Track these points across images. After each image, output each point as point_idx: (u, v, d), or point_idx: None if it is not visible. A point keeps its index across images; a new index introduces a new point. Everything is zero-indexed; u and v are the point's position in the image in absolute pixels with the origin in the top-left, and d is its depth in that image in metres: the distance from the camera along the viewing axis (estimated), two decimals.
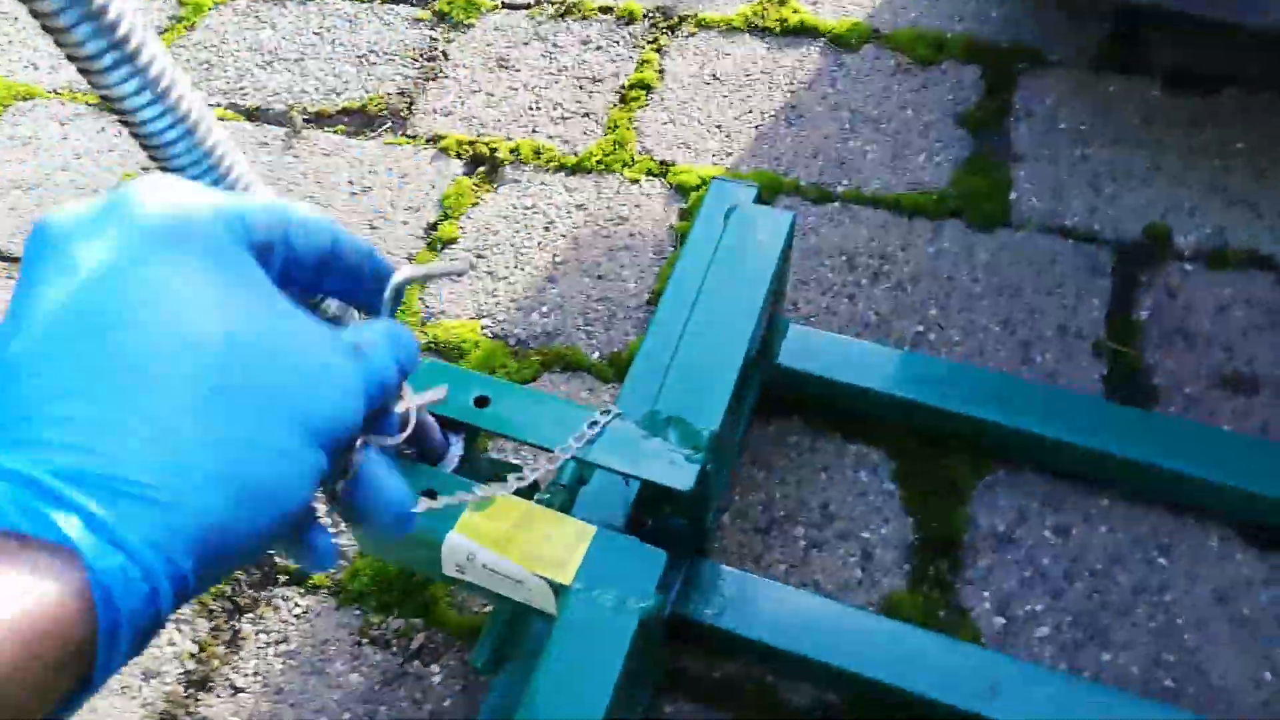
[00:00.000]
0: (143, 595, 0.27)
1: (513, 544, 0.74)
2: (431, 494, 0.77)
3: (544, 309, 1.20)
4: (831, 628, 0.86)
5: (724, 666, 0.90)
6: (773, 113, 1.36)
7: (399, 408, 0.45)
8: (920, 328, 1.10)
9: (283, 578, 1.02)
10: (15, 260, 1.35)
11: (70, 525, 0.26)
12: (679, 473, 0.78)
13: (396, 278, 0.44)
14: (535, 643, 0.89)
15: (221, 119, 1.50)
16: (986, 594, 0.92)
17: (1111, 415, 0.96)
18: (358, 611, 0.98)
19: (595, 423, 0.81)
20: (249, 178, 0.53)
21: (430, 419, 0.78)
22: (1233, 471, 0.90)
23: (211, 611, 1.00)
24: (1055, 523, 0.95)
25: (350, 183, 1.38)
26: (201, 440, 0.29)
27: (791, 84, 1.39)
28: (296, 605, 1.00)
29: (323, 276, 0.39)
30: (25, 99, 1.54)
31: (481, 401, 0.83)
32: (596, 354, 1.15)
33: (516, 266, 1.25)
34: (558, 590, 0.73)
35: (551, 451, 0.80)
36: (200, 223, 0.32)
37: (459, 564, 0.75)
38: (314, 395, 0.32)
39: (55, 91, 1.56)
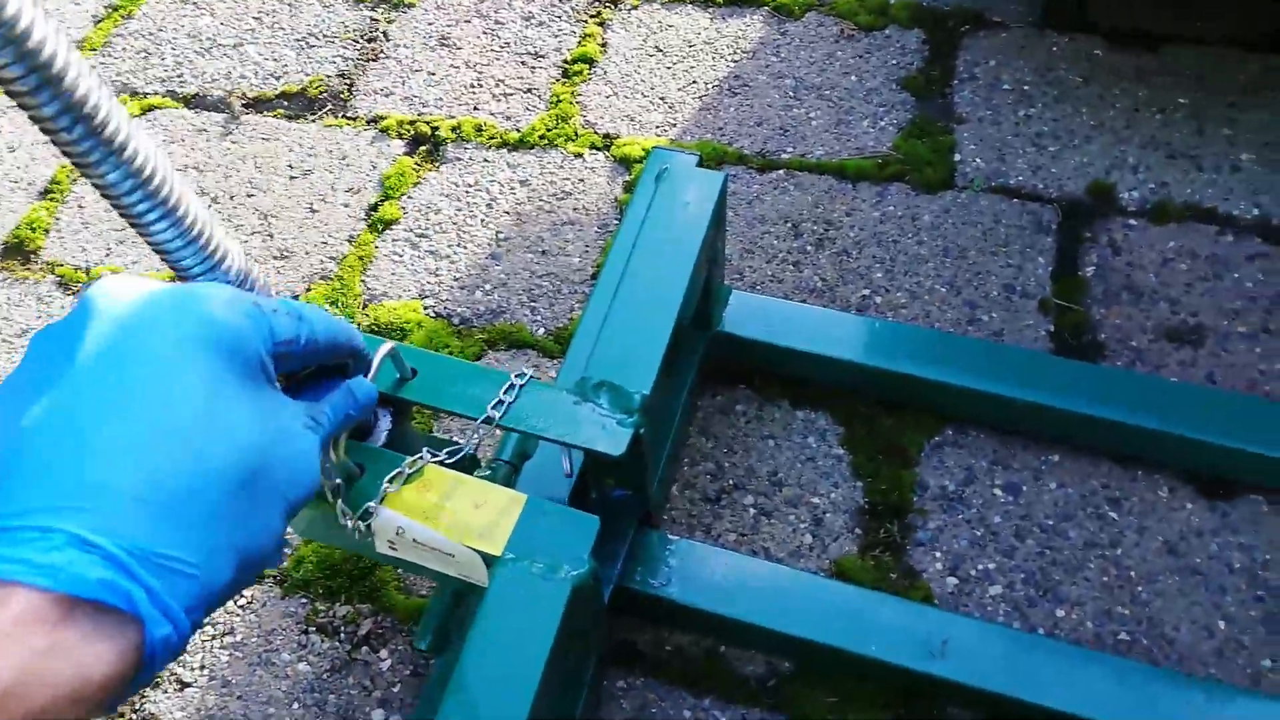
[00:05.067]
0: (173, 649, 0.36)
1: (441, 515, 0.72)
2: (360, 469, 0.75)
3: (488, 287, 1.18)
4: (780, 593, 0.85)
5: (674, 638, 0.89)
6: (716, 83, 1.34)
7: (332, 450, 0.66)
8: (866, 292, 1.09)
9: None
10: None
11: (139, 599, 0.34)
12: (611, 437, 0.76)
13: (382, 350, 0.70)
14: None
15: (158, 107, 1.47)
16: (938, 555, 0.91)
17: (1058, 369, 0.95)
18: (304, 599, 0.96)
19: (513, 387, 0.79)
20: (227, 246, 0.55)
21: None
22: (1180, 420, 0.90)
23: None
24: (1005, 481, 0.94)
25: (290, 166, 1.35)
26: (228, 527, 0.38)
27: (735, 54, 1.37)
28: (240, 596, 0.97)
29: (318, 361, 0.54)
30: None
31: (412, 375, 0.81)
32: (541, 330, 1.13)
33: (459, 245, 1.22)
34: (489, 561, 0.72)
35: (474, 419, 0.78)
36: (233, 334, 0.41)
37: (390, 540, 0.73)
38: (295, 481, 0.43)
39: None
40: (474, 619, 0.70)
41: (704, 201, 0.89)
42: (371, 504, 0.72)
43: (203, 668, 0.94)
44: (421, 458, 0.74)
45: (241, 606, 0.97)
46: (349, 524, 0.72)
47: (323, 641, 0.94)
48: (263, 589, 0.98)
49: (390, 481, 0.72)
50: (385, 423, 0.77)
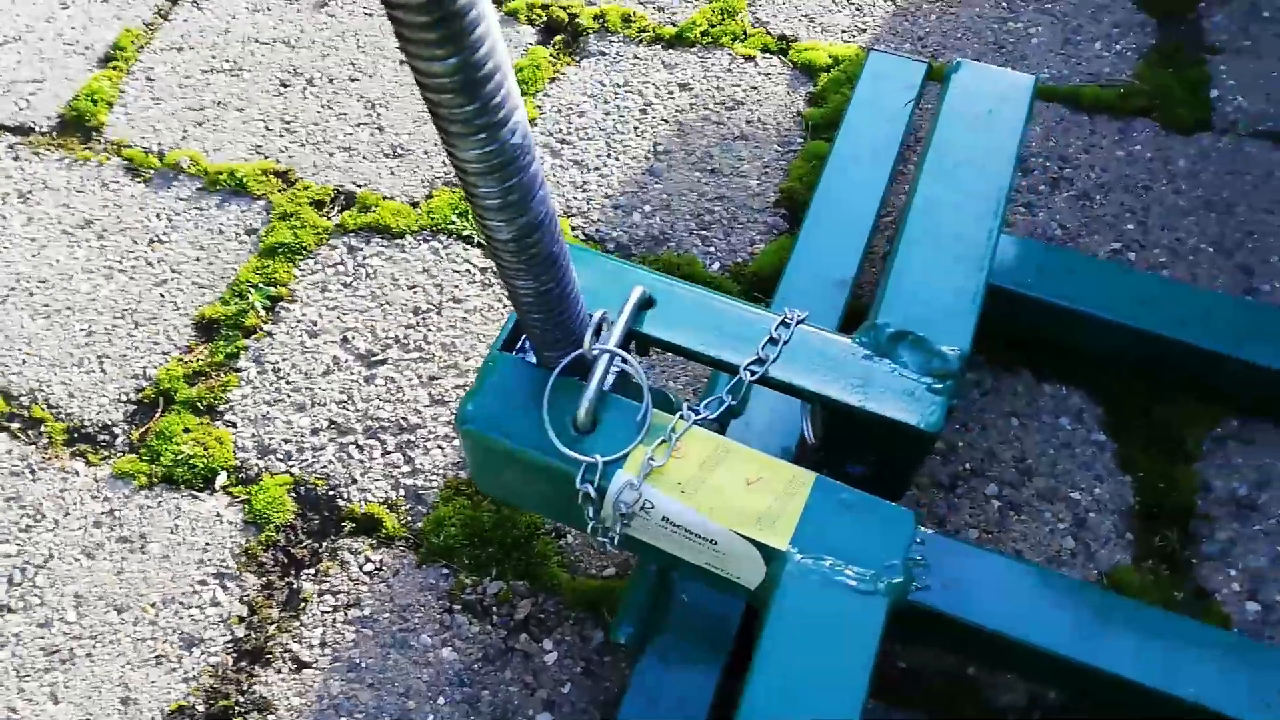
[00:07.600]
0: None
1: (703, 491, 0.55)
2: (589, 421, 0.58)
3: (647, 209, 0.99)
4: (1053, 607, 0.69)
5: (909, 655, 0.73)
6: None
7: None
8: (1116, 245, 0.92)
9: (347, 525, 0.83)
10: None
11: None
12: (921, 408, 0.59)
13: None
14: (691, 613, 0.71)
15: None
16: (1232, 573, 0.75)
17: None
18: (445, 570, 0.80)
19: (785, 326, 0.62)
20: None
21: (587, 314, 0.59)
22: None
23: (261, 564, 0.81)
24: None
25: (399, 48, 1.14)
26: None
27: None
28: (367, 560, 0.81)
29: None
30: None
31: (647, 304, 0.64)
32: (716, 264, 0.95)
33: (610, 156, 1.04)
34: (769, 556, 0.55)
35: (736, 370, 0.61)
36: None
37: (625, 513, 0.56)
38: None
39: None
40: (761, 633, 0.54)
41: (1011, 114, 0.71)
42: (630, 478, 0.55)
43: (323, 645, 0.78)
44: (683, 416, 0.57)
45: (369, 574, 0.80)
46: (606, 507, 0.56)
47: (471, 624, 0.78)
48: (393, 553, 0.81)
49: (654, 454, 0.56)
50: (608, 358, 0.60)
